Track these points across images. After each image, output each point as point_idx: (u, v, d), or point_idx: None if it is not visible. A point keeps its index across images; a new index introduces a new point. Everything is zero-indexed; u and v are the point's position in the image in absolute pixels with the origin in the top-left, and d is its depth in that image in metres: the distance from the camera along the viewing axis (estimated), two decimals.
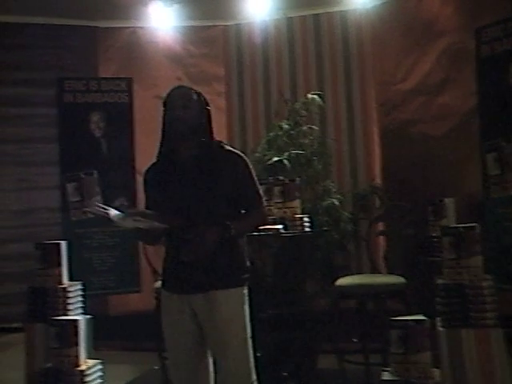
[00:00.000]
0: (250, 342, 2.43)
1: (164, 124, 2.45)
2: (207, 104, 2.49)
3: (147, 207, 2.48)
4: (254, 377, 2.45)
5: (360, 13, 5.18)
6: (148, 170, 2.56)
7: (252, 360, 2.44)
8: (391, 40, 4.99)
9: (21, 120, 5.24)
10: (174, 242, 2.42)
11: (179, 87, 2.50)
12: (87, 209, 2.51)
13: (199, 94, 2.48)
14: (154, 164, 2.54)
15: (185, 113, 2.38)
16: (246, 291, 2.45)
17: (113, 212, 2.34)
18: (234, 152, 2.48)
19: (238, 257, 2.44)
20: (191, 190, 2.38)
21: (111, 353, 3.55)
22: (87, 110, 5.07)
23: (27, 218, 5.19)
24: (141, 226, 2.32)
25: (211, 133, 2.46)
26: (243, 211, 2.48)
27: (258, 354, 2.56)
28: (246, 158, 2.50)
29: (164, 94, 2.51)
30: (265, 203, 2.55)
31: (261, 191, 2.51)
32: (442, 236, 2.70)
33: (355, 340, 3.84)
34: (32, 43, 5.29)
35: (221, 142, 2.51)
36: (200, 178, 2.39)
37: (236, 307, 2.40)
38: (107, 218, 2.33)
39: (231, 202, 2.40)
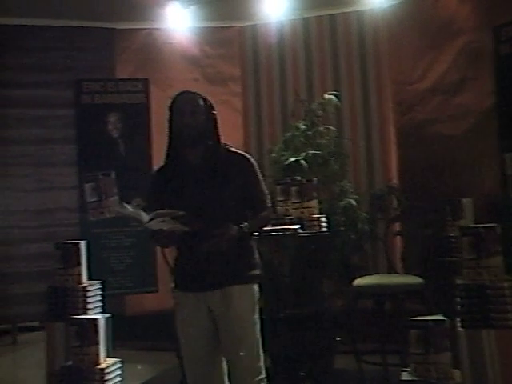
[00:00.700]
0: (260, 339, 2.48)
1: (171, 129, 2.52)
2: (213, 108, 2.54)
3: (150, 208, 2.50)
4: (264, 374, 2.48)
5: (376, 13, 5.16)
6: (156, 173, 2.62)
7: (262, 358, 2.48)
8: (408, 39, 4.97)
9: (40, 121, 5.29)
10: (188, 243, 2.44)
11: (185, 92, 2.53)
12: (117, 208, 2.53)
13: (205, 99, 2.53)
14: (162, 167, 2.60)
15: (192, 119, 2.44)
16: (257, 288, 2.52)
17: (142, 213, 2.39)
18: (240, 154, 2.55)
19: (250, 254, 2.52)
20: (202, 192, 2.43)
21: (128, 352, 3.58)
22: (105, 111, 5.12)
23: (46, 218, 5.24)
24: (164, 228, 2.35)
25: (218, 136, 2.52)
26: (250, 211, 2.54)
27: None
28: (252, 160, 2.56)
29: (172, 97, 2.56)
30: (270, 203, 2.62)
31: (266, 191, 2.58)
32: (462, 236, 2.68)
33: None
34: (50, 45, 5.33)
35: (227, 145, 2.57)
36: (210, 180, 2.44)
37: (249, 303, 2.46)
38: (136, 218, 2.38)
39: (240, 202, 2.46)
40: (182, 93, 2.53)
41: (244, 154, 2.57)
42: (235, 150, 2.56)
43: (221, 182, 2.43)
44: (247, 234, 2.43)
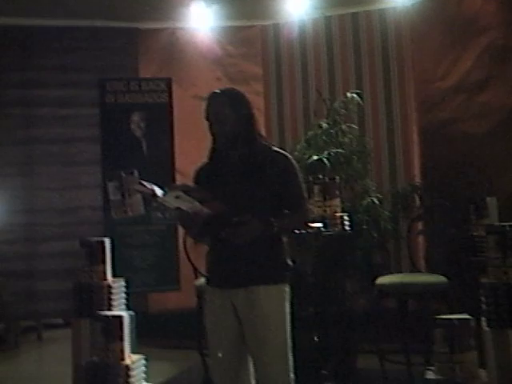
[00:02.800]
0: (289, 341, 2.43)
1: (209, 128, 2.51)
2: (248, 107, 2.50)
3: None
4: (292, 376, 2.44)
5: (399, 10, 5.13)
6: (198, 170, 2.61)
7: (290, 359, 2.43)
8: (431, 37, 4.93)
9: (65, 121, 5.37)
10: (217, 237, 2.43)
11: (212, 96, 2.50)
12: (135, 187, 2.51)
13: (236, 98, 2.50)
14: (204, 164, 2.59)
15: (220, 127, 2.44)
16: (287, 289, 2.47)
17: (157, 189, 2.35)
18: (280, 153, 2.51)
19: (279, 254, 2.47)
20: (237, 188, 2.42)
21: (151, 350, 3.61)
22: (128, 110, 5.15)
23: (70, 216, 5.31)
24: (183, 208, 2.31)
25: (254, 134, 2.49)
26: (286, 211, 2.49)
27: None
28: (292, 160, 2.53)
29: (203, 95, 2.56)
30: (308, 205, 2.57)
31: (305, 193, 2.54)
32: (487, 235, 2.66)
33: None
34: (76, 46, 5.42)
35: (268, 142, 2.56)
36: (245, 178, 2.42)
37: (276, 304, 2.41)
38: (152, 195, 2.35)
39: (275, 201, 2.43)
40: (210, 97, 2.50)
41: (284, 153, 2.53)
42: (276, 149, 2.53)
43: (256, 179, 2.41)
44: (274, 230, 2.37)
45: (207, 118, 2.49)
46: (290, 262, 2.51)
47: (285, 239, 2.52)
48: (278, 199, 2.43)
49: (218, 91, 2.51)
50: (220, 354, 2.46)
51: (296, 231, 2.77)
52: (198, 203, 2.30)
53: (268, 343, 2.38)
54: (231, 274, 2.42)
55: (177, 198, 2.30)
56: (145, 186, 2.39)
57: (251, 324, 2.39)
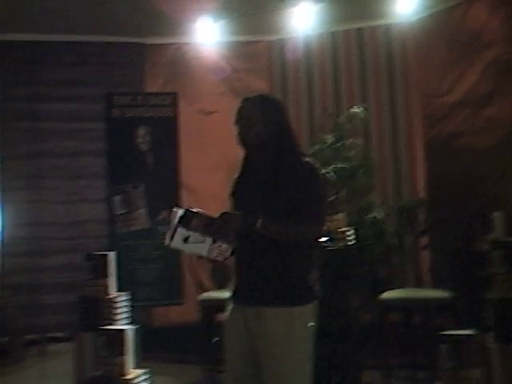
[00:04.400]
0: (305, 365, 2.29)
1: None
2: (280, 113, 2.41)
3: None
4: None
5: (404, 26, 5.16)
6: (233, 182, 2.51)
7: (306, 380, 2.30)
8: (436, 52, 4.95)
9: (71, 134, 5.38)
10: (237, 250, 2.35)
11: (245, 99, 2.42)
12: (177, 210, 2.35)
13: (267, 105, 2.40)
14: (237, 175, 2.50)
15: (246, 135, 2.36)
16: (305, 311, 2.31)
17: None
18: (307, 164, 2.37)
19: (294, 273, 2.32)
20: (258, 197, 2.34)
21: (154, 364, 3.59)
22: (134, 125, 5.17)
23: (75, 229, 5.31)
24: (199, 253, 2.23)
25: (284, 142, 2.37)
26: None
27: None
28: (317, 172, 2.39)
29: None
30: (320, 223, 2.37)
31: (321, 208, 2.37)
32: (493, 249, 2.65)
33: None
34: (82, 60, 5.44)
35: (300, 152, 2.42)
36: (268, 187, 2.33)
37: (287, 328, 2.26)
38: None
39: (291, 212, 2.29)
40: (241, 102, 2.41)
41: (312, 164, 2.38)
42: (305, 160, 2.38)
43: (278, 189, 2.31)
44: (262, 230, 2.23)
45: (236, 123, 2.40)
46: (310, 284, 2.34)
47: (305, 257, 2.36)
48: (294, 209, 2.29)
49: (250, 96, 2.43)
50: (232, 372, 2.38)
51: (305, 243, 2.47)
52: (207, 238, 2.20)
53: (279, 364, 2.27)
54: (244, 292, 2.36)
55: (185, 240, 2.21)
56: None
57: (262, 344, 2.31)
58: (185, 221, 2.19)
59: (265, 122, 2.36)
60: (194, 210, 2.23)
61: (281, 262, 2.30)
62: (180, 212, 2.24)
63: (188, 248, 2.24)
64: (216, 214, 2.26)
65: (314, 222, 2.34)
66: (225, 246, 2.24)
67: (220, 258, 2.26)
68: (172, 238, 2.22)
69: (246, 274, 2.36)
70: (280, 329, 2.26)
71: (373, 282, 4.26)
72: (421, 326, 3.79)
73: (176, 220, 2.21)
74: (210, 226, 2.22)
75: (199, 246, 2.22)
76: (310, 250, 2.38)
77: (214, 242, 2.23)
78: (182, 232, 2.20)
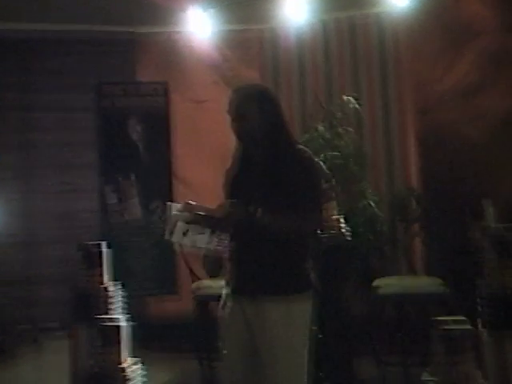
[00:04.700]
0: (303, 352, 2.31)
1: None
2: (273, 103, 2.40)
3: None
4: None
5: (396, 14, 5.14)
6: (226, 172, 2.50)
7: (304, 371, 2.31)
8: (428, 41, 4.95)
9: (61, 125, 5.36)
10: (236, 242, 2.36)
11: (238, 90, 2.41)
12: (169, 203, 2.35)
13: (261, 95, 2.39)
14: (230, 166, 2.49)
15: (240, 126, 2.34)
16: (303, 298, 2.32)
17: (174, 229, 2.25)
18: (303, 152, 2.38)
19: (290, 262, 2.32)
20: (255, 188, 2.33)
21: (149, 356, 3.60)
22: (125, 114, 5.16)
23: (67, 220, 5.30)
24: (199, 246, 2.24)
25: (280, 132, 2.37)
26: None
27: None
28: (314, 162, 2.41)
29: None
30: (318, 212, 2.38)
31: (318, 199, 2.38)
32: (483, 236, 2.66)
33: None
34: (72, 50, 5.41)
35: (293, 140, 2.42)
36: (265, 178, 2.32)
37: (286, 316, 2.27)
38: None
39: (288, 202, 2.28)
40: (233, 92, 2.39)
41: (308, 153, 2.39)
42: (299, 148, 2.39)
43: (275, 180, 2.29)
44: (263, 220, 2.21)
45: (229, 113, 2.37)
46: (307, 271, 2.35)
47: (302, 246, 2.36)
48: (291, 200, 2.29)
49: (242, 87, 2.42)
50: (230, 362, 2.37)
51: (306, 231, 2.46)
52: (206, 229, 2.22)
53: (277, 352, 2.27)
54: (241, 281, 2.35)
55: (184, 234, 2.22)
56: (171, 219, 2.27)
57: (260, 335, 2.30)
58: (184, 215, 2.20)
59: (259, 112, 2.34)
60: (193, 203, 2.23)
61: (277, 250, 2.29)
62: (178, 206, 2.24)
63: (188, 241, 2.25)
64: (214, 206, 2.27)
65: (313, 209, 2.34)
66: (223, 235, 2.25)
67: (220, 247, 2.28)
68: (172, 232, 2.23)
69: (242, 264, 2.34)
70: (278, 317, 2.27)
71: (365, 270, 4.28)
72: (412, 313, 3.82)
73: (175, 214, 2.20)
74: (209, 218, 2.22)
75: (199, 237, 2.24)
76: (306, 238, 2.39)
77: (213, 232, 2.25)
78: (181, 226, 2.22)
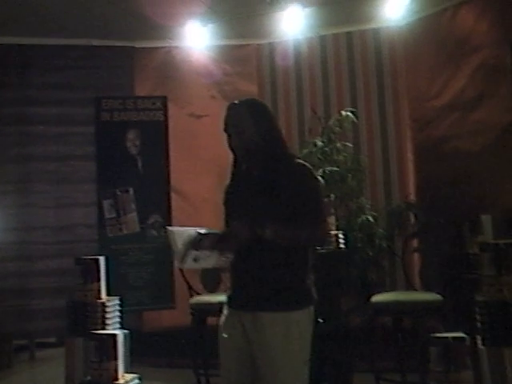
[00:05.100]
0: (302, 369, 2.28)
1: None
2: (269, 118, 2.40)
3: (225, 225, 2.42)
4: None
5: (393, 30, 5.19)
6: (225, 190, 2.48)
7: None
8: (425, 56, 4.98)
9: (60, 138, 5.36)
10: (236, 257, 2.35)
11: (233, 105, 2.39)
12: (168, 228, 2.39)
13: (257, 110, 2.38)
14: (228, 182, 2.47)
15: (239, 138, 2.33)
16: (303, 315, 2.29)
17: (177, 252, 2.26)
18: (301, 165, 2.35)
19: (291, 278, 2.29)
20: (254, 203, 2.31)
21: (145, 369, 3.58)
22: (123, 128, 5.16)
23: (65, 234, 5.28)
24: (203, 266, 2.30)
25: (276, 146, 2.36)
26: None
27: None
28: (313, 173, 2.37)
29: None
30: (324, 224, 2.36)
31: (322, 209, 2.35)
32: (481, 252, 2.66)
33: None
34: (71, 64, 5.42)
35: (291, 154, 2.42)
36: (264, 192, 2.30)
37: (285, 332, 2.24)
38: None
39: (292, 215, 2.26)
40: (228, 108, 2.38)
41: (306, 166, 2.35)
42: (298, 161, 2.36)
43: (274, 194, 2.27)
44: (271, 236, 2.20)
45: (225, 130, 2.37)
46: (308, 287, 2.33)
47: (303, 261, 2.33)
48: (294, 213, 2.26)
49: (237, 102, 2.40)
50: (228, 378, 2.35)
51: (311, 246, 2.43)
52: (215, 257, 2.25)
53: (277, 372, 2.24)
54: (240, 297, 2.34)
55: (195, 260, 2.24)
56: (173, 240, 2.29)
57: (259, 350, 2.28)
58: (195, 244, 2.23)
59: (255, 128, 2.33)
60: (203, 232, 2.24)
61: (277, 265, 2.27)
62: (181, 230, 2.29)
63: (199, 265, 2.30)
64: (221, 230, 2.30)
65: (320, 223, 2.31)
66: (229, 253, 2.30)
67: (226, 265, 2.32)
68: (183, 259, 2.25)
69: (242, 279, 2.33)
70: (278, 333, 2.24)
71: (363, 285, 4.27)
72: (411, 329, 3.80)
73: (185, 243, 2.24)
74: (218, 243, 2.24)
75: (208, 259, 2.27)
76: (306, 253, 2.36)
77: (221, 253, 2.28)
78: (193, 253, 2.24)
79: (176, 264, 2.31)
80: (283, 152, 2.39)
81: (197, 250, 2.23)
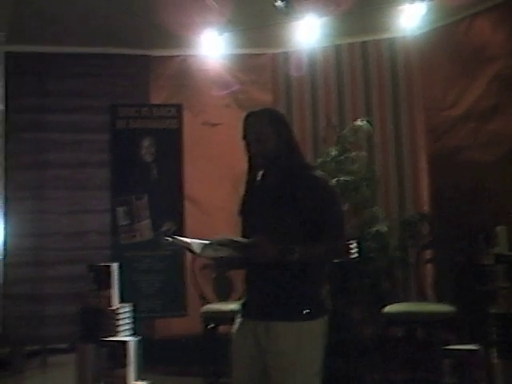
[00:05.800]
0: (314, 379, 2.27)
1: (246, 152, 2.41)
2: (288, 128, 2.40)
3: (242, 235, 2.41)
4: None
5: (408, 40, 5.18)
6: (240, 200, 2.48)
7: None
8: (440, 66, 4.96)
9: (76, 145, 5.40)
10: (249, 267, 2.36)
11: (253, 114, 2.40)
12: (168, 238, 2.35)
13: (277, 120, 2.39)
14: (243, 192, 2.47)
15: (259, 146, 2.34)
16: (316, 325, 2.29)
17: (194, 242, 2.25)
18: (319, 178, 2.35)
19: (305, 288, 2.29)
20: (270, 213, 2.31)
21: (157, 376, 3.58)
22: (139, 136, 5.18)
23: (78, 240, 5.31)
24: (222, 255, 2.23)
25: (294, 157, 2.37)
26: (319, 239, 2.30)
27: None
28: (331, 186, 2.39)
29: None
30: (342, 237, 2.33)
31: (340, 222, 2.33)
32: (496, 264, 2.64)
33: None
34: (87, 72, 5.47)
35: (308, 165, 2.43)
36: (280, 202, 2.30)
37: (298, 342, 2.23)
38: (189, 250, 2.27)
39: (309, 228, 2.27)
40: (248, 116, 2.39)
41: (324, 178, 2.37)
42: (315, 173, 2.37)
43: (290, 205, 2.27)
44: (300, 258, 2.20)
45: (245, 138, 2.38)
46: (322, 298, 2.33)
47: (317, 272, 2.33)
48: (312, 226, 2.27)
49: (257, 110, 2.41)
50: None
51: (330, 261, 2.48)
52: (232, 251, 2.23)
53: (289, 379, 2.24)
54: (254, 306, 2.34)
55: (216, 250, 2.22)
56: (181, 240, 2.30)
57: (272, 360, 2.27)
58: (223, 242, 2.23)
59: (275, 136, 2.34)
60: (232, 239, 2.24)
61: (292, 276, 2.27)
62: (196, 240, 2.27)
63: (215, 254, 2.25)
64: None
65: (340, 238, 2.32)
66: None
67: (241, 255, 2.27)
68: (205, 247, 2.23)
69: (257, 288, 2.33)
70: (291, 344, 2.23)
71: (375, 296, 4.24)
72: (424, 341, 3.77)
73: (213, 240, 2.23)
74: (243, 251, 2.22)
75: (226, 251, 2.24)
76: (322, 264, 2.36)
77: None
78: (215, 246, 2.23)
79: (195, 253, 2.27)
80: (301, 163, 2.40)
81: (220, 246, 2.22)
